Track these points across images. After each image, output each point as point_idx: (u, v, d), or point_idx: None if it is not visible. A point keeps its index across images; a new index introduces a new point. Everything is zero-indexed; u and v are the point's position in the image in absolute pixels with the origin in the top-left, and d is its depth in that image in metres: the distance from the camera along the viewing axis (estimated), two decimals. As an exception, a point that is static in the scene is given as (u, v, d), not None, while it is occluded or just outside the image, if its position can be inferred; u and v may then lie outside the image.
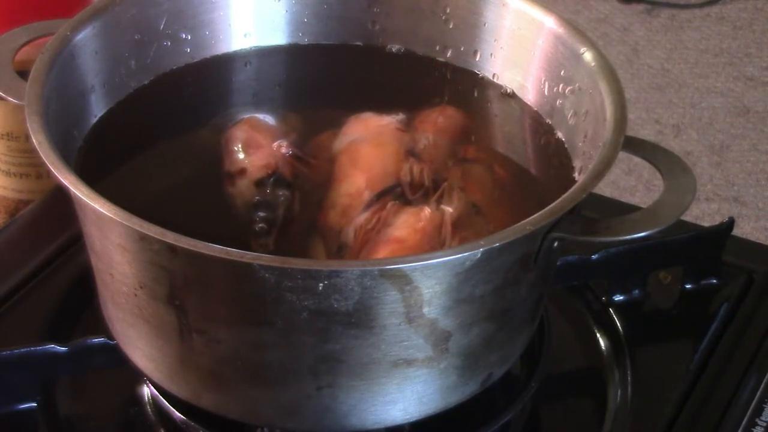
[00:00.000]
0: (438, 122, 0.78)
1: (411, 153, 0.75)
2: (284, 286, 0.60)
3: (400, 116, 0.78)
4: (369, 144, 0.75)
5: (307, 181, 0.74)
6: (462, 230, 0.69)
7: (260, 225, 0.70)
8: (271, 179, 0.73)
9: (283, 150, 0.74)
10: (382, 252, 0.67)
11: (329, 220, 0.71)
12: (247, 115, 0.79)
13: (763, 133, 1.69)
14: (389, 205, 0.70)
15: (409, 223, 0.69)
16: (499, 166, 0.77)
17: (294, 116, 0.80)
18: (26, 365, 0.75)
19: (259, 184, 0.73)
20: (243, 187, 0.73)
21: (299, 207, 0.72)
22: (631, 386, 0.79)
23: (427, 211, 0.70)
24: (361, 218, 0.70)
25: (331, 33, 0.84)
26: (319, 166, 0.75)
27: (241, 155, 0.75)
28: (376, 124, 0.77)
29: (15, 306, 0.83)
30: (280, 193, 0.72)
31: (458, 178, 0.74)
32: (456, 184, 0.73)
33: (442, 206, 0.71)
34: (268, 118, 0.80)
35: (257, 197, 0.72)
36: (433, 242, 0.68)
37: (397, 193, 0.72)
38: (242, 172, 0.74)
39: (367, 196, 0.71)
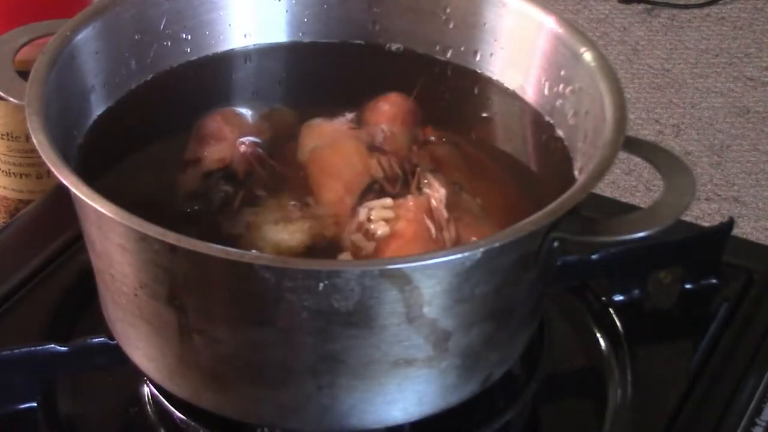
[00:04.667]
0: (387, 112, 0.78)
1: (373, 148, 0.75)
2: (284, 286, 0.60)
3: (349, 115, 0.78)
4: (330, 150, 0.75)
5: (260, 182, 0.73)
6: (452, 210, 0.70)
7: (189, 213, 0.70)
8: (221, 174, 0.73)
9: (243, 148, 0.74)
10: (389, 253, 0.67)
11: (323, 229, 0.70)
12: (224, 108, 0.79)
13: (763, 133, 1.69)
14: (374, 204, 0.70)
15: (399, 217, 0.69)
16: (464, 141, 0.77)
17: (287, 114, 0.80)
18: (26, 365, 0.75)
19: (207, 176, 0.73)
20: (190, 177, 0.73)
21: (238, 207, 0.71)
22: (631, 386, 0.79)
23: (411, 200, 0.70)
24: (353, 225, 0.70)
25: (331, 33, 0.84)
26: (284, 170, 0.74)
27: (203, 145, 0.75)
28: (329, 129, 0.77)
29: (15, 306, 0.83)
30: (222, 189, 0.72)
31: (428, 161, 0.74)
32: (428, 167, 0.73)
33: (425, 191, 0.71)
34: (245, 113, 0.79)
35: (198, 189, 0.72)
36: (428, 228, 0.68)
37: (376, 190, 0.72)
38: (196, 161, 0.74)
39: (349, 201, 0.71)
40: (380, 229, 0.69)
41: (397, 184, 0.72)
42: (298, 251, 0.68)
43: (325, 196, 0.72)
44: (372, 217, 0.69)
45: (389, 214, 0.69)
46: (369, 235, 0.69)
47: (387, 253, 0.67)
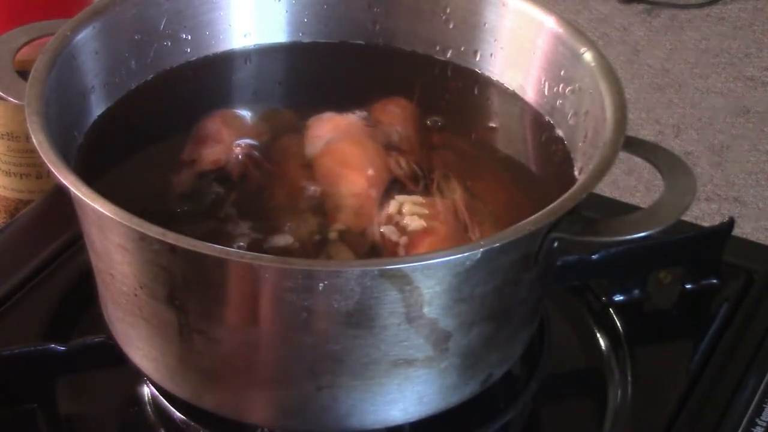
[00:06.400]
0: (399, 115, 0.78)
1: (390, 147, 0.75)
2: (284, 286, 0.60)
3: (361, 113, 0.78)
4: (350, 143, 0.75)
5: (255, 184, 0.73)
6: (474, 215, 0.70)
7: (181, 214, 0.70)
8: (213, 175, 0.73)
9: (238, 150, 0.74)
10: (422, 248, 0.67)
11: (343, 223, 0.70)
12: (224, 109, 0.79)
13: (763, 133, 1.69)
14: (405, 198, 0.70)
15: (432, 215, 0.69)
16: (465, 142, 0.77)
17: (288, 115, 0.80)
18: (26, 365, 0.75)
19: (201, 176, 0.73)
20: (184, 177, 0.73)
21: (230, 208, 0.71)
22: (631, 386, 0.79)
23: (440, 201, 0.70)
24: (383, 218, 0.70)
25: (331, 33, 0.84)
26: (278, 171, 0.74)
27: (200, 146, 0.75)
28: (344, 123, 0.77)
29: (15, 306, 0.83)
30: (214, 190, 0.72)
31: (441, 165, 0.74)
32: (441, 171, 0.74)
33: (450, 194, 0.71)
34: (245, 115, 0.79)
35: (190, 189, 0.72)
36: (459, 229, 0.69)
37: (398, 188, 0.72)
38: (192, 163, 0.74)
39: (374, 194, 0.71)
40: (413, 224, 0.69)
41: (418, 184, 0.72)
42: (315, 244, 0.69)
43: (346, 188, 0.72)
44: (404, 211, 0.69)
45: (422, 210, 0.69)
46: (400, 228, 0.69)
47: (420, 248, 0.67)
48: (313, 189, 0.73)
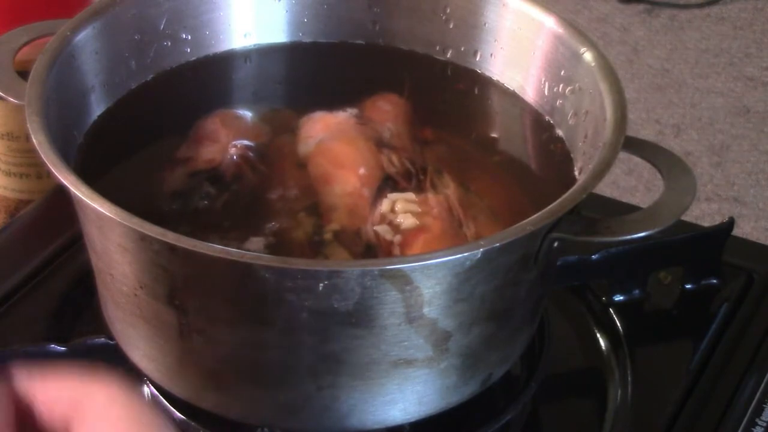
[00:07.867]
0: (390, 111, 0.78)
1: (382, 144, 0.75)
2: (284, 286, 0.60)
3: (351, 110, 0.78)
4: (341, 142, 0.75)
5: (248, 185, 0.73)
6: (468, 209, 0.70)
7: (173, 212, 0.70)
8: (205, 174, 0.73)
9: (233, 150, 0.74)
10: (417, 246, 0.67)
11: (337, 223, 0.70)
12: (224, 109, 0.79)
13: (763, 133, 1.69)
14: (397, 196, 0.70)
15: (424, 212, 0.69)
16: (465, 141, 0.77)
17: (288, 115, 0.80)
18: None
19: (193, 175, 0.73)
20: (177, 175, 0.73)
21: (220, 209, 0.71)
22: (631, 386, 0.79)
23: (433, 197, 0.70)
24: (376, 217, 0.70)
25: (331, 33, 0.84)
26: (272, 173, 0.74)
27: (196, 146, 0.75)
28: (335, 121, 0.77)
29: (15, 306, 0.83)
30: (205, 190, 0.72)
31: (434, 161, 0.74)
32: (435, 166, 0.74)
33: (443, 190, 0.71)
34: (245, 115, 0.79)
35: (180, 188, 0.72)
36: (453, 225, 0.69)
37: (391, 185, 0.72)
38: (187, 161, 0.74)
39: (367, 193, 0.71)
40: (407, 221, 0.69)
41: (411, 181, 0.72)
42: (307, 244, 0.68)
43: (337, 187, 0.72)
44: (397, 209, 0.69)
45: (415, 207, 0.69)
46: (394, 226, 0.69)
47: (415, 246, 0.67)
48: (294, 192, 0.73)
